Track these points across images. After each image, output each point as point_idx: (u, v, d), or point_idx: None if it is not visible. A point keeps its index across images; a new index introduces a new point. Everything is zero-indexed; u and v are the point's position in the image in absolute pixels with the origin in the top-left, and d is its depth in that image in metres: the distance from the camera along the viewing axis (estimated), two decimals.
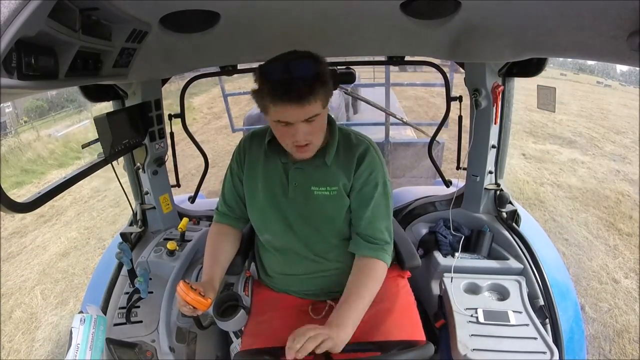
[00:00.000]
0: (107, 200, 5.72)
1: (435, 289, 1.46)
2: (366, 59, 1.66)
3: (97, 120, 1.15)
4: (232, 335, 1.33)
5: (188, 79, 1.70)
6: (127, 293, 1.31)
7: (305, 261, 1.12)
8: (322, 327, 0.87)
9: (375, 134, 4.01)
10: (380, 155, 1.10)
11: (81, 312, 1.12)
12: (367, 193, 1.07)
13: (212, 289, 1.01)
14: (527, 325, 1.20)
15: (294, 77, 0.87)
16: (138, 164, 1.52)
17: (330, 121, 1.07)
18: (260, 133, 1.15)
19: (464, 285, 1.36)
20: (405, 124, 3.71)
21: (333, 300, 1.12)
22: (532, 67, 1.30)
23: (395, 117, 3.54)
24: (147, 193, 1.59)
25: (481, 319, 1.23)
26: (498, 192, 1.61)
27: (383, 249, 1.06)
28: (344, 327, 0.89)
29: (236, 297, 1.17)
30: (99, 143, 1.15)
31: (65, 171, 6.82)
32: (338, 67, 1.51)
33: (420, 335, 1.09)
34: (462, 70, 1.49)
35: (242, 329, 1.17)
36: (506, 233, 1.53)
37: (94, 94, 1.31)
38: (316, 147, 1.02)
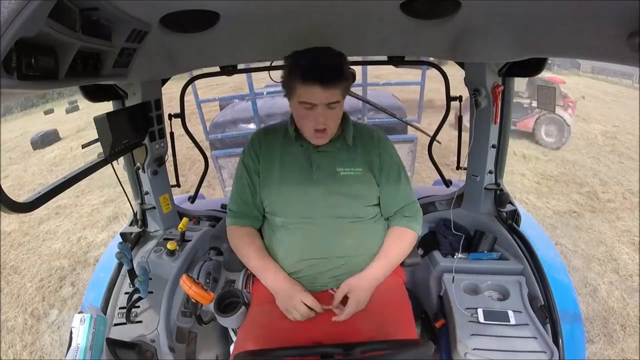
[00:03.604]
0: None
1: (436, 289, 1.46)
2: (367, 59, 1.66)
3: (97, 121, 1.14)
4: (232, 334, 1.33)
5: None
6: (127, 293, 1.31)
7: (323, 240, 1.11)
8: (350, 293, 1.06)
9: None
10: None
11: (81, 312, 1.12)
12: (393, 174, 1.19)
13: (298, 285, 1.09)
14: (527, 325, 1.20)
15: (323, 63, 1.01)
16: (138, 164, 1.52)
17: (344, 113, 1.16)
18: (273, 128, 1.25)
19: (464, 285, 1.36)
20: (405, 123, 3.72)
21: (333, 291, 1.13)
22: (532, 67, 1.30)
23: (394, 116, 3.54)
24: (147, 193, 1.59)
25: (481, 319, 1.23)
26: (498, 192, 1.61)
27: (414, 219, 1.21)
28: (364, 283, 1.08)
29: (237, 294, 1.17)
30: (98, 143, 1.15)
31: None
32: None
33: (413, 334, 1.09)
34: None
35: None
36: (506, 233, 1.53)
37: (94, 94, 1.31)
38: (332, 134, 1.12)
